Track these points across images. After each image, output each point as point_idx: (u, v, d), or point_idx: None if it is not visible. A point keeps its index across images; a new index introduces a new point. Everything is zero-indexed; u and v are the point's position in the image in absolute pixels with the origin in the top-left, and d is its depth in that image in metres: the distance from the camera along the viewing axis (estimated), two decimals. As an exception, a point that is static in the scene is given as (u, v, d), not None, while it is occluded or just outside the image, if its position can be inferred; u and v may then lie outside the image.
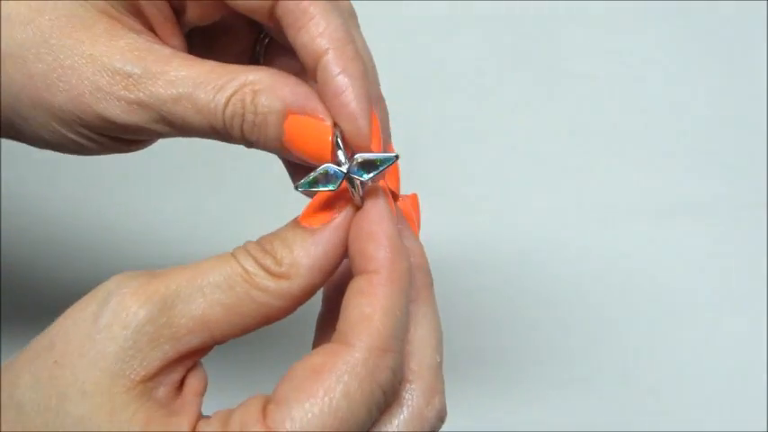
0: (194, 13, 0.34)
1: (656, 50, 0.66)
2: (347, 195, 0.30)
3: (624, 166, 0.63)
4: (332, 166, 0.29)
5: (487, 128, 0.64)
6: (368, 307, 0.28)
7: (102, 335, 0.27)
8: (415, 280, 0.30)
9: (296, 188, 0.30)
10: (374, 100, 0.33)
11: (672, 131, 0.64)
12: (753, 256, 0.60)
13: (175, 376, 0.28)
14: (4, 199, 0.57)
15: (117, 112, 0.31)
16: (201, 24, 0.35)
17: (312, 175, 0.29)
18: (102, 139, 0.33)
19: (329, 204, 0.30)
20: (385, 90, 0.36)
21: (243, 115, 0.31)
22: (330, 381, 0.27)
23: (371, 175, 0.29)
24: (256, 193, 0.60)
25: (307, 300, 0.30)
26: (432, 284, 0.32)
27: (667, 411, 0.56)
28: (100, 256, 0.58)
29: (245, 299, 0.28)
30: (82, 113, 0.31)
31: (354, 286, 0.29)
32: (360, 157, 0.29)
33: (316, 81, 0.31)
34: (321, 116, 0.30)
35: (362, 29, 0.35)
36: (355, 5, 0.35)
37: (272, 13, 0.32)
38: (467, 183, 0.62)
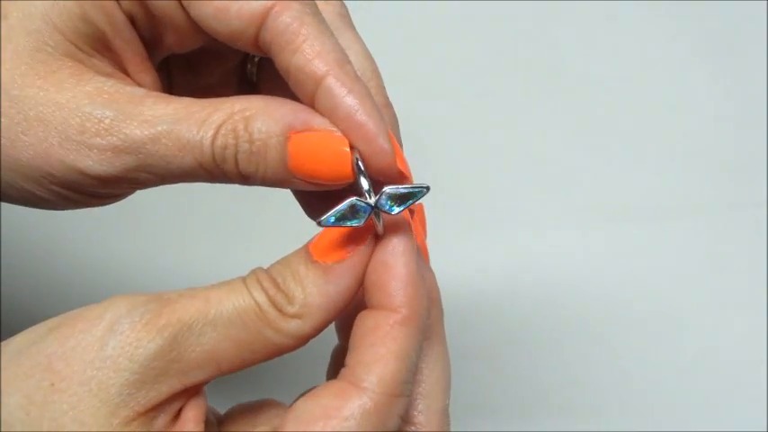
0: (172, 41, 0.32)
1: (656, 50, 0.66)
2: (366, 227, 0.28)
3: (623, 166, 0.63)
4: (358, 201, 0.27)
5: (486, 128, 0.64)
6: (382, 347, 0.27)
7: (108, 364, 0.26)
8: (429, 315, 0.29)
9: (319, 224, 0.27)
10: (382, 106, 0.32)
11: (671, 132, 0.64)
12: (753, 256, 0.60)
13: (177, 405, 0.27)
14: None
15: (89, 162, 0.28)
16: (181, 52, 0.33)
17: (337, 210, 0.27)
18: (75, 195, 0.30)
19: (344, 236, 0.28)
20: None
21: (236, 146, 0.28)
22: (342, 427, 0.26)
23: (401, 208, 0.27)
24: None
25: (317, 335, 0.29)
26: (442, 318, 0.30)
27: (667, 411, 0.56)
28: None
29: (258, 336, 0.27)
30: (52, 169, 0.29)
31: (369, 322, 0.27)
32: (389, 190, 0.27)
33: (311, 106, 0.29)
34: (332, 129, 0.28)
35: (361, 29, 0.34)
36: (355, 6, 0.35)
37: (257, 39, 0.29)
38: (465, 183, 0.62)
